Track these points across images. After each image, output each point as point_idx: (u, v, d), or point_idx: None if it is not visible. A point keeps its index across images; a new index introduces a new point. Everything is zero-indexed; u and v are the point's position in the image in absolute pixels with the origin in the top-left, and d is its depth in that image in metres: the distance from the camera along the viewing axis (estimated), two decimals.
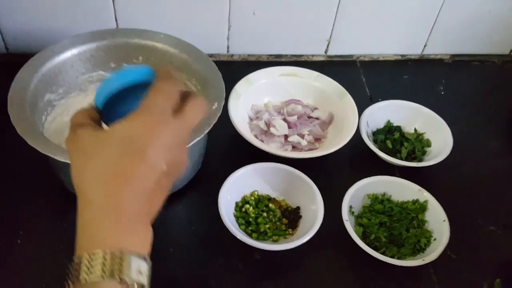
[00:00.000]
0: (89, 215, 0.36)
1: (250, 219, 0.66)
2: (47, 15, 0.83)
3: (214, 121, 0.62)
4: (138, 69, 0.44)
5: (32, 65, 0.66)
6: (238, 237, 0.61)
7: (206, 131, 0.61)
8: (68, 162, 0.53)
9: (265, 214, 0.67)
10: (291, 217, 0.68)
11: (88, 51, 0.71)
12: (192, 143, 0.59)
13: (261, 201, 0.69)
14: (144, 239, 0.37)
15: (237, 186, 0.68)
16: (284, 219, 0.68)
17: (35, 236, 0.64)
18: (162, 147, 0.37)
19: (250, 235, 0.64)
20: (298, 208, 0.68)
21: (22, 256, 0.62)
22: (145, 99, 0.38)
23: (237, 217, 0.67)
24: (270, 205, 0.69)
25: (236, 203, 0.68)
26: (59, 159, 0.55)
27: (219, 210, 0.63)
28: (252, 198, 0.69)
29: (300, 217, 0.67)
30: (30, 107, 0.62)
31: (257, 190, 0.70)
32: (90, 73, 0.73)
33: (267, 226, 0.66)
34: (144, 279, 0.35)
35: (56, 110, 0.71)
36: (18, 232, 0.64)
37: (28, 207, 0.67)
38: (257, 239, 0.64)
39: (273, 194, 0.70)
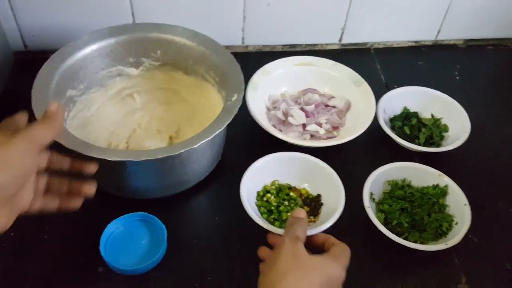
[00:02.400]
0: None
1: (272, 208, 0.67)
2: (64, 12, 0.83)
3: (235, 113, 0.62)
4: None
5: (54, 61, 0.67)
6: (262, 225, 0.62)
7: (227, 123, 0.61)
8: (94, 156, 0.54)
9: (286, 202, 0.68)
10: (312, 205, 0.68)
11: (107, 47, 0.71)
12: (213, 135, 0.59)
13: (282, 190, 0.69)
14: None
15: (258, 176, 0.68)
16: (305, 207, 0.68)
17: (62, 232, 0.64)
18: None
19: (272, 224, 0.65)
20: (319, 195, 0.69)
21: (48, 251, 0.63)
22: (333, 249, 0.55)
23: (259, 206, 0.67)
24: (291, 193, 0.69)
25: (258, 193, 0.69)
26: (85, 153, 0.55)
27: (241, 200, 0.63)
28: (273, 187, 0.69)
29: (321, 204, 0.68)
30: None
31: (277, 180, 0.70)
32: (109, 68, 0.74)
33: (289, 214, 0.66)
34: None
35: (77, 106, 0.71)
36: (44, 227, 0.64)
37: None
38: (279, 227, 0.65)
39: (293, 183, 0.71)
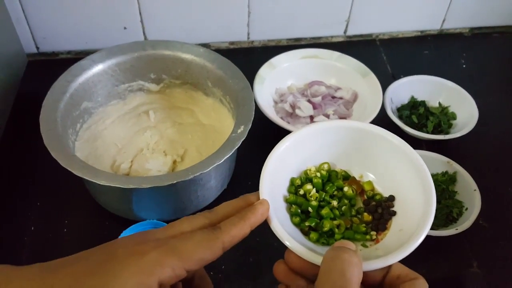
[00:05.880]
0: None
1: (310, 209, 0.42)
2: (73, 13, 0.84)
3: (237, 146, 0.59)
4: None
5: (70, 74, 0.66)
6: (284, 242, 0.37)
7: (226, 157, 0.58)
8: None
9: (335, 202, 0.43)
10: (379, 212, 0.43)
11: (128, 61, 0.71)
12: (208, 169, 0.56)
13: (332, 181, 0.44)
14: None
15: (296, 154, 0.44)
16: (366, 213, 0.43)
17: (68, 250, 0.63)
18: None
19: (306, 234, 0.42)
20: (391, 198, 0.44)
21: (67, 247, 0.64)
22: None
23: (289, 203, 0.43)
24: (346, 188, 0.44)
25: (292, 181, 0.44)
26: (77, 174, 0.54)
27: (260, 193, 0.39)
28: (318, 174, 0.44)
29: (394, 213, 0.43)
30: (62, 118, 0.62)
31: (327, 163, 0.46)
32: (130, 83, 0.73)
33: (335, 222, 0.42)
34: None
35: (93, 117, 0.71)
36: (63, 229, 0.65)
37: (60, 218, 0.67)
38: (316, 241, 0.41)
39: (353, 171, 0.46)
